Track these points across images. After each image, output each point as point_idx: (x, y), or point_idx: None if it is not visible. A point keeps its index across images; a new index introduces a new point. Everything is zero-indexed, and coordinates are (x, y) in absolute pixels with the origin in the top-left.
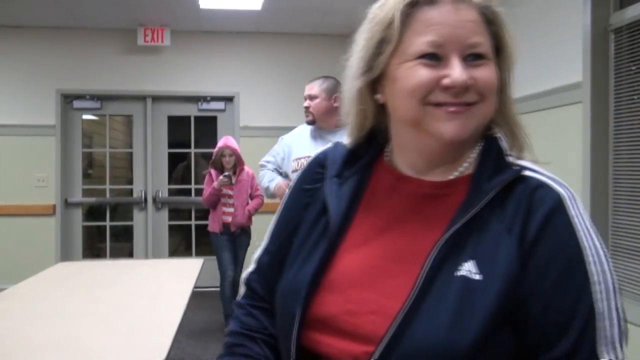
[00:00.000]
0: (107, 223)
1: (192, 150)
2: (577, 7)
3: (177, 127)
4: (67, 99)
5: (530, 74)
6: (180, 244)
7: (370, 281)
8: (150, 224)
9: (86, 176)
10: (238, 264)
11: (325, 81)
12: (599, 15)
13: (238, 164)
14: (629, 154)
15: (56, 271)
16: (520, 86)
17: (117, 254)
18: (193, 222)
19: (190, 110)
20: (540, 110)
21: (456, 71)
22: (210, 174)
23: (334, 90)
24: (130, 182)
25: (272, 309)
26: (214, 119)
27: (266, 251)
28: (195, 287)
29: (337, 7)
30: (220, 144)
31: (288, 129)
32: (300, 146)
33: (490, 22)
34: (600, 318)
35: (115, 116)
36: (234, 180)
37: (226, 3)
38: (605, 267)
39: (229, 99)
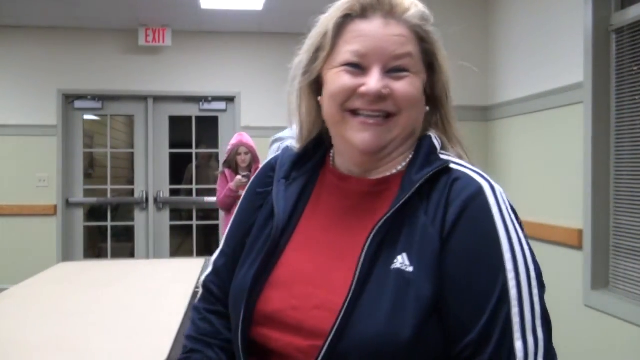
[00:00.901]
0: (109, 223)
1: (194, 151)
2: (579, 8)
3: (179, 127)
4: (69, 99)
5: (531, 75)
6: (182, 244)
7: (314, 277)
8: (151, 224)
9: (87, 176)
10: None
11: None
12: (601, 16)
13: (254, 163)
14: (630, 154)
15: (57, 271)
16: (522, 86)
17: (118, 254)
18: (194, 223)
19: (191, 111)
20: (542, 111)
21: (372, 80)
22: (224, 174)
23: None
24: (132, 182)
25: (228, 310)
26: (215, 119)
27: (222, 253)
28: (196, 287)
29: None
30: (234, 141)
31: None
32: None
33: (422, 39)
34: (515, 303)
35: (116, 116)
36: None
37: (227, 3)
38: (521, 255)
39: (230, 99)
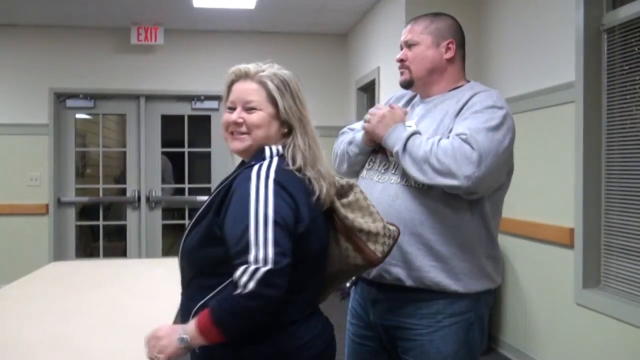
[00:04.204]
0: (101, 222)
1: (186, 150)
2: (570, 7)
3: (171, 126)
4: (61, 97)
5: (523, 74)
6: (174, 243)
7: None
8: (143, 224)
9: (79, 175)
10: None
11: (435, 19)
12: (592, 15)
13: None
14: (621, 153)
15: (49, 271)
16: (513, 86)
17: (110, 253)
18: (187, 222)
19: (183, 110)
20: (533, 110)
21: (234, 115)
22: None
23: (446, 33)
24: (124, 182)
25: None
26: (207, 118)
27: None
28: None
29: (331, 6)
30: None
31: None
32: None
33: (268, 89)
34: (252, 232)
35: (108, 115)
36: None
37: (220, 2)
38: (263, 207)
39: (222, 99)
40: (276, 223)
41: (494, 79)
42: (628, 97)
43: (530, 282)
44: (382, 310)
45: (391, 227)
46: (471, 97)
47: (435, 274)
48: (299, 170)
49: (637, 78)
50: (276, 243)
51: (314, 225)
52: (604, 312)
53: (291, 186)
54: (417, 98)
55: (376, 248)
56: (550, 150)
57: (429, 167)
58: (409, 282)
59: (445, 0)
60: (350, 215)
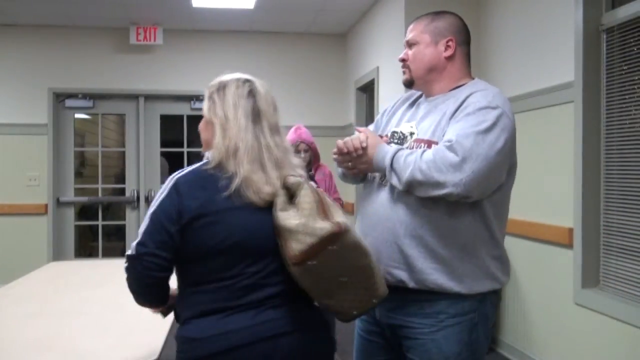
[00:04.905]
0: (100, 222)
1: (185, 150)
2: (569, 7)
3: (170, 126)
4: (60, 97)
5: (522, 74)
6: None
7: None
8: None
9: (78, 175)
10: None
11: (436, 18)
12: (591, 15)
13: (314, 161)
14: (620, 153)
15: (48, 271)
16: (513, 86)
17: (109, 253)
18: None
19: (182, 109)
20: (532, 110)
21: None
22: None
23: (445, 31)
24: (123, 181)
25: None
26: None
27: None
28: None
29: (330, 6)
30: (290, 136)
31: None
32: (395, 116)
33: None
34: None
35: (107, 115)
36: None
37: (219, 2)
38: (152, 206)
39: None
40: (151, 219)
41: (493, 79)
42: (627, 96)
43: (529, 282)
44: (386, 308)
45: (324, 226)
46: (467, 97)
47: (437, 277)
48: (216, 168)
49: (636, 78)
50: (142, 235)
51: (220, 218)
52: (603, 312)
53: (187, 185)
54: (423, 97)
55: (295, 246)
56: (549, 150)
57: (417, 184)
58: (411, 284)
59: (445, 0)
60: (282, 214)
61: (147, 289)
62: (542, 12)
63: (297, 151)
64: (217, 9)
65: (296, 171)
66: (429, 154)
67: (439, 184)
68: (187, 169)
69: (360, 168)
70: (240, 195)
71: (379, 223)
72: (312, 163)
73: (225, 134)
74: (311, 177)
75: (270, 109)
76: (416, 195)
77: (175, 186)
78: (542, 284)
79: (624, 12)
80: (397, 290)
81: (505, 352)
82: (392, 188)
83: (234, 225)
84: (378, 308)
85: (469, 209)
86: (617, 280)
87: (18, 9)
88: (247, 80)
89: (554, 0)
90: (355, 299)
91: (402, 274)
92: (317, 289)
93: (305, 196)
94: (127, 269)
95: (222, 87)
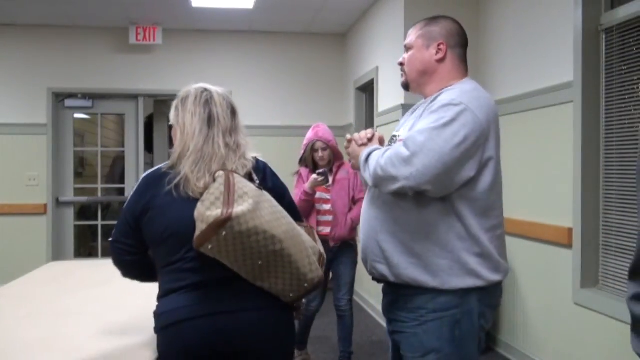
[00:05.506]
0: (99, 222)
1: None
2: (569, 7)
3: (169, 126)
4: (59, 97)
5: (521, 74)
6: None
7: None
8: None
9: (78, 175)
10: (342, 286)
11: (430, 22)
12: (590, 15)
13: (335, 159)
14: (619, 153)
15: (47, 271)
16: (512, 86)
17: (108, 253)
18: None
19: None
20: (532, 110)
21: None
22: (300, 175)
23: (437, 35)
24: (122, 181)
25: None
26: None
27: None
28: None
29: (330, 5)
30: (310, 135)
31: (281, 129)
32: (402, 120)
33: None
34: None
35: (107, 115)
36: (330, 180)
37: (218, 2)
38: (132, 194)
39: None
40: (123, 213)
41: (492, 79)
42: (626, 96)
43: (528, 282)
44: (384, 303)
45: (213, 213)
46: (436, 97)
47: (411, 271)
48: (171, 167)
49: (636, 78)
50: (115, 227)
51: (162, 211)
52: (602, 311)
53: (145, 182)
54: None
55: (196, 233)
56: (548, 150)
57: (379, 179)
58: (391, 279)
59: (444, 0)
60: (198, 205)
61: (123, 268)
62: (541, 12)
63: (315, 150)
64: (216, 8)
65: (246, 166)
66: (390, 151)
67: (393, 178)
68: (153, 169)
69: (353, 165)
70: (180, 191)
71: (365, 221)
72: (333, 161)
73: (182, 138)
74: (323, 174)
75: (226, 114)
76: (382, 190)
77: (139, 183)
78: (541, 283)
79: (623, 12)
80: (390, 285)
81: (504, 351)
82: (374, 188)
83: (171, 217)
84: (383, 304)
85: (438, 204)
86: (617, 280)
87: (18, 9)
88: (205, 90)
89: (553, 0)
90: (285, 283)
91: (383, 269)
92: (245, 273)
93: (213, 187)
94: (110, 252)
95: (185, 98)
